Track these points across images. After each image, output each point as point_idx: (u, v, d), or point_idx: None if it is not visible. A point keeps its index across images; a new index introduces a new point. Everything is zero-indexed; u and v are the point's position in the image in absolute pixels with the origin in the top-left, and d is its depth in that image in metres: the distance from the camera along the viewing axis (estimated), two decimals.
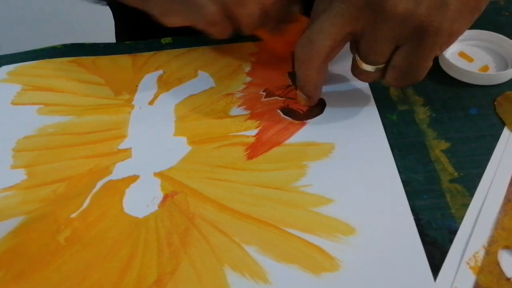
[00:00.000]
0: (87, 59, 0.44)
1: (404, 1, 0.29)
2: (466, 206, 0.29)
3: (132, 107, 0.39)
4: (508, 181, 0.30)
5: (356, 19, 0.30)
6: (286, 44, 0.39)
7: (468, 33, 0.41)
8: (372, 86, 0.38)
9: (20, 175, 0.34)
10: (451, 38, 0.31)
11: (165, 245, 0.29)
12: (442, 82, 0.38)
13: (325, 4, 0.32)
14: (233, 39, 0.40)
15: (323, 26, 0.31)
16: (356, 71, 0.34)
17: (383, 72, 0.33)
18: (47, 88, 0.42)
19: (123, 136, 0.36)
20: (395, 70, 0.32)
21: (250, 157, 0.34)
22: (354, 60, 0.34)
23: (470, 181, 0.31)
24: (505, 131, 0.34)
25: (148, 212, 0.31)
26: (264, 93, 0.39)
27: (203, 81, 0.41)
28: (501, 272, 0.26)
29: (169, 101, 0.39)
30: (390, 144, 0.33)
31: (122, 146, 0.36)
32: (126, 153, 0.35)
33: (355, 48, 0.33)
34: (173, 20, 0.38)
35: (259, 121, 0.36)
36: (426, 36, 0.30)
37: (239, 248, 0.28)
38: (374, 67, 0.33)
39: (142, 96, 0.40)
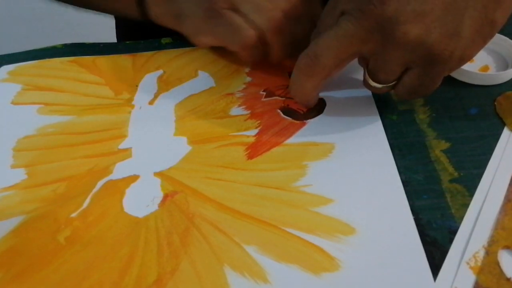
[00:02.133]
0: (87, 59, 0.44)
1: (415, 28, 0.28)
2: (466, 206, 0.29)
3: (132, 106, 0.39)
4: (508, 181, 0.30)
5: (364, 41, 0.29)
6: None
7: None
8: None
9: (20, 175, 0.34)
10: (462, 62, 0.30)
11: (165, 245, 0.29)
12: (442, 82, 0.38)
13: (333, 18, 0.30)
14: None
15: (331, 43, 0.30)
16: (366, 84, 0.33)
17: (392, 86, 0.33)
18: (47, 88, 0.42)
19: (123, 136, 0.36)
20: (404, 88, 0.32)
21: (250, 157, 0.34)
22: (364, 74, 0.33)
23: (470, 181, 0.31)
24: (505, 131, 0.34)
25: (148, 212, 0.31)
26: (264, 93, 0.39)
27: (203, 81, 0.41)
28: (501, 272, 0.26)
29: (169, 101, 0.39)
30: (390, 144, 0.33)
31: (122, 146, 0.36)
32: (126, 153, 0.35)
33: (364, 64, 0.33)
34: (205, 40, 0.39)
35: (259, 121, 0.36)
36: (436, 63, 0.29)
37: (239, 248, 0.28)
38: (383, 85, 0.32)
39: (142, 96, 0.40)
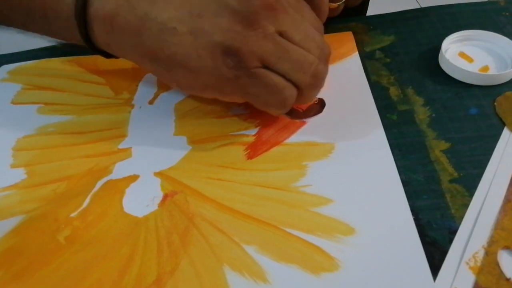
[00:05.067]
0: (87, 59, 0.44)
1: None
2: (466, 206, 0.29)
3: (132, 106, 0.39)
4: (508, 181, 0.30)
5: None
6: None
7: (468, 33, 0.41)
8: (372, 86, 0.38)
9: (20, 174, 0.34)
10: None
11: (165, 244, 0.29)
12: (442, 82, 0.38)
13: None
14: None
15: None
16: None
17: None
18: (47, 88, 0.42)
19: (123, 135, 0.36)
20: None
21: (250, 156, 0.34)
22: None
23: (470, 181, 0.31)
24: (505, 131, 0.34)
25: (148, 212, 0.31)
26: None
27: None
28: (501, 272, 0.26)
29: (169, 101, 0.39)
30: (390, 144, 0.33)
31: (122, 145, 0.36)
32: (126, 153, 0.35)
33: None
34: (220, 98, 0.34)
35: (258, 120, 0.36)
36: None
37: (239, 248, 0.28)
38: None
39: (142, 95, 0.40)
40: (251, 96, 0.32)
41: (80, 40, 0.33)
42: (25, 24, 0.35)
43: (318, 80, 0.32)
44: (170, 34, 0.30)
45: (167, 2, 0.30)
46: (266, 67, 0.30)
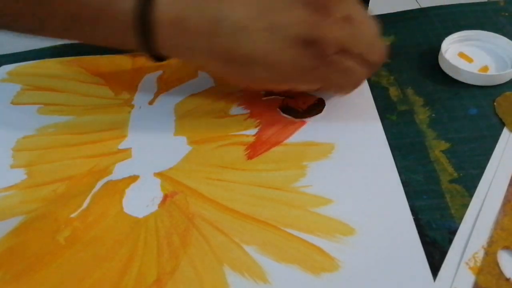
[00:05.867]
0: (87, 59, 0.44)
1: None
2: (465, 206, 0.29)
3: (132, 106, 0.39)
4: (507, 182, 0.30)
5: None
6: None
7: (468, 33, 0.41)
8: (372, 86, 0.38)
9: (20, 175, 0.34)
10: None
11: (165, 245, 0.29)
12: (442, 82, 0.38)
13: None
14: None
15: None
16: None
17: None
18: (47, 88, 0.42)
19: (123, 136, 0.36)
20: None
21: (250, 157, 0.34)
22: None
23: (469, 182, 0.31)
24: (505, 131, 0.34)
25: (148, 212, 0.31)
26: (263, 92, 0.39)
27: (203, 81, 0.41)
28: (500, 272, 0.26)
29: (169, 101, 0.39)
30: (390, 145, 0.33)
31: (122, 146, 0.36)
32: (126, 153, 0.35)
33: None
34: (300, 87, 0.35)
35: (259, 120, 0.36)
36: None
37: (239, 248, 0.28)
38: None
39: (142, 96, 0.40)
40: (330, 81, 0.33)
41: (133, 44, 0.32)
42: (66, 30, 0.33)
43: (383, 57, 0.33)
44: (246, 32, 0.30)
45: (234, 0, 0.30)
46: (341, 52, 0.31)
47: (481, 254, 0.27)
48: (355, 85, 0.34)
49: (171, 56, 0.34)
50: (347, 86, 0.34)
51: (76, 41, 0.35)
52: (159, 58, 0.34)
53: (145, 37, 0.31)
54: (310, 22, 0.30)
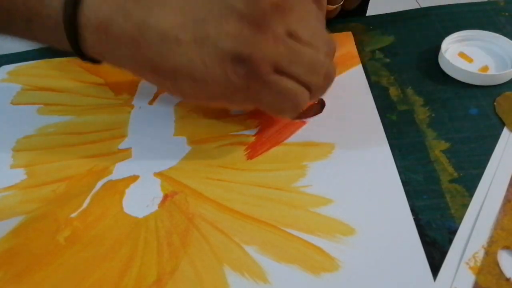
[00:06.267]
0: None
1: None
2: (465, 206, 0.29)
3: (132, 107, 0.39)
4: (507, 182, 0.30)
5: None
6: None
7: (468, 33, 0.41)
8: (372, 86, 0.38)
9: (20, 175, 0.34)
10: None
11: (165, 245, 0.29)
12: (442, 82, 0.38)
13: None
14: None
15: None
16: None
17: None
18: (47, 88, 0.42)
19: (123, 136, 0.36)
20: None
21: (250, 156, 0.34)
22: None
23: (469, 182, 0.31)
24: (505, 131, 0.34)
25: (148, 212, 0.31)
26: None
27: None
28: (501, 272, 0.26)
29: (169, 101, 0.39)
30: (390, 144, 0.33)
31: (122, 146, 0.36)
32: (126, 153, 0.35)
33: None
34: (230, 107, 0.33)
35: (258, 120, 0.36)
36: None
37: (239, 248, 0.28)
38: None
39: (142, 96, 0.40)
40: (263, 104, 0.30)
41: (70, 48, 0.30)
42: (4, 27, 0.31)
43: (330, 80, 0.31)
44: (173, 44, 0.27)
45: (165, 7, 0.28)
46: (277, 72, 0.29)
47: (481, 254, 0.27)
48: (296, 108, 0.30)
49: (103, 61, 0.31)
50: (287, 109, 0.30)
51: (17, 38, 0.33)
52: (94, 60, 0.32)
53: (75, 42, 0.29)
54: (243, 37, 0.27)
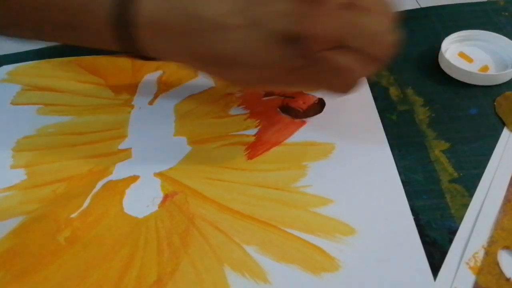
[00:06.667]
0: (87, 59, 0.44)
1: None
2: (465, 206, 0.29)
3: (132, 107, 0.39)
4: (507, 182, 0.30)
5: None
6: None
7: (468, 33, 0.41)
8: (372, 86, 0.38)
9: (20, 175, 0.34)
10: None
11: (165, 245, 0.29)
12: (442, 82, 0.38)
13: None
14: None
15: None
16: None
17: None
18: (47, 88, 0.42)
19: (123, 136, 0.36)
20: None
21: (250, 157, 0.34)
22: None
23: (469, 182, 0.31)
24: (505, 131, 0.34)
25: (148, 212, 0.31)
26: (263, 92, 0.39)
27: (202, 81, 0.41)
28: (501, 272, 0.26)
29: (169, 101, 0.39)
30: (390, 144, 0.33)
31: (122, 146, 0.36)
32: (126, 153, 0.35)
33: None
34: (286, 89, 0.31)
35: (259, 120, 0.36)
36: None
37: (239, 248, 0.28)
38: None
39: (142, 96, 0.40)
40: (317, 83, 0.29)
41: (117, 47, 0.29)
42: (55, 36, 0.31)
43: (389, 53, 0.28)
44: (223, 31, 0.26)
45: None
46: (336, 47, 0.26)
47: (481, 254, 0.27)
48: (351, 86, 0.29)
49: (156, 57, 0.31)
50: (340, 88, 0.29)
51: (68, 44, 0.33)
52: (147, 58, 0.31)
53: (125, 41, 0.29)
54: (296, 15, 0.25)
